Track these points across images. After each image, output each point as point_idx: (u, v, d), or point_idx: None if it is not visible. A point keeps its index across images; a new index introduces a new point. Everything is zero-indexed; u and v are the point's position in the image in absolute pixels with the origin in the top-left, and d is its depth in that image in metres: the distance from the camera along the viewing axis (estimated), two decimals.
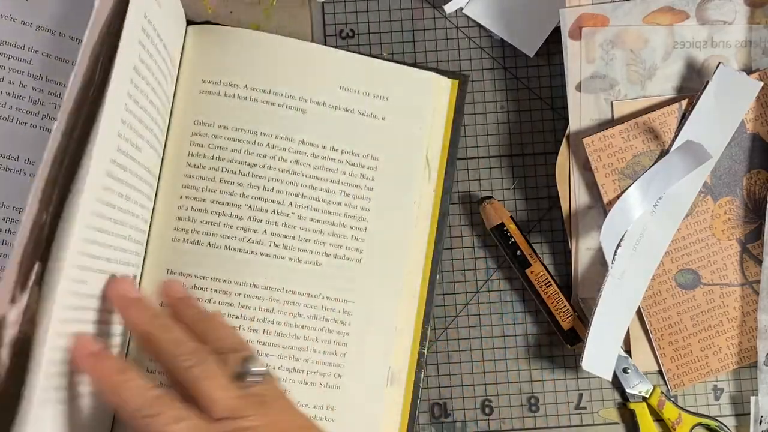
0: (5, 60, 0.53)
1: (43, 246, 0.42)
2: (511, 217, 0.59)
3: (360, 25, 0.62)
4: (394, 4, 0.62)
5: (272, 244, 0.56)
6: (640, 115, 0.59)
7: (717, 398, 0.60)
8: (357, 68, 0.59)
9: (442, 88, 0.60)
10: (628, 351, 0.60)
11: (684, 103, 0.59)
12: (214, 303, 0.55)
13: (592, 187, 0.59)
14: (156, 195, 0.56)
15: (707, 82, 0.57)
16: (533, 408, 0.60)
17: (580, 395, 0.61)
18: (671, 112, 0.59)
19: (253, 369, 0.46)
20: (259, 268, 0.56)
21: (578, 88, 0.59)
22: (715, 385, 0.61)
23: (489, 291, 0.61)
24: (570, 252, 0.60)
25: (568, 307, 0.59)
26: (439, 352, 0.60)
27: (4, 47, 0.53)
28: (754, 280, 0.60)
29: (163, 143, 0.56)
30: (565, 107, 0.60)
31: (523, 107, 0.62)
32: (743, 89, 0.58)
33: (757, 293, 0.59)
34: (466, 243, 0.61)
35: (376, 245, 0.58)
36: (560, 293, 0.59)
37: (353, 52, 0.60)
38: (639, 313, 0.59)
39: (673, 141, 0.58)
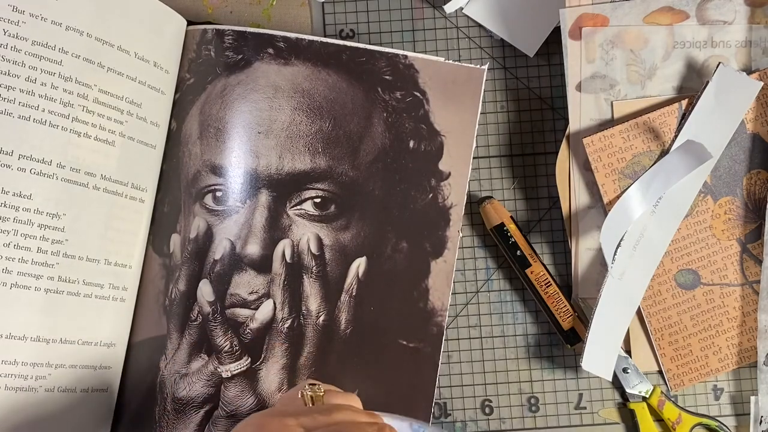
0: (36, 61, 0.52)
1: None
2: (511, 217, 0.59)
3: (360, 25, 0.62)
4: (394, 4, 0.62)
5: None
6: (640, 115, 0.59)
7: (717, 398, 0.60)
8: None
9: None
10: (628, 351, 0.60)
11: (684, 103, 0.59)
12: None
13: (592, 187, 0.59)
14: None
15: (707, 82, 0.57)
16: (533, 408, 0.60)
17: (580, 395, 0.61)
18: (671, 112, 0.59)
19: None
20: None
21: (578, 88, 0.59)
22: (715, 385, 0.61)
23: (489, 291, 0.61)
24: (570, 252, 0.60)
25: (568, 307, 0.59)
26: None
27: (36, 48, 0.52)
28: (754, 280, 0.59)
29: None
30: (565, 107, 0.60)
31: (523, 107, 0.62)
32: (743, 89, 0.58)
33: (757, 293, 0.59)
34: (466, 243, 0.61)
35: None
36: (560, 293, 0.59)
37: None
38: (639, 313, 0.59)
39: (673, 141, 0.58)
